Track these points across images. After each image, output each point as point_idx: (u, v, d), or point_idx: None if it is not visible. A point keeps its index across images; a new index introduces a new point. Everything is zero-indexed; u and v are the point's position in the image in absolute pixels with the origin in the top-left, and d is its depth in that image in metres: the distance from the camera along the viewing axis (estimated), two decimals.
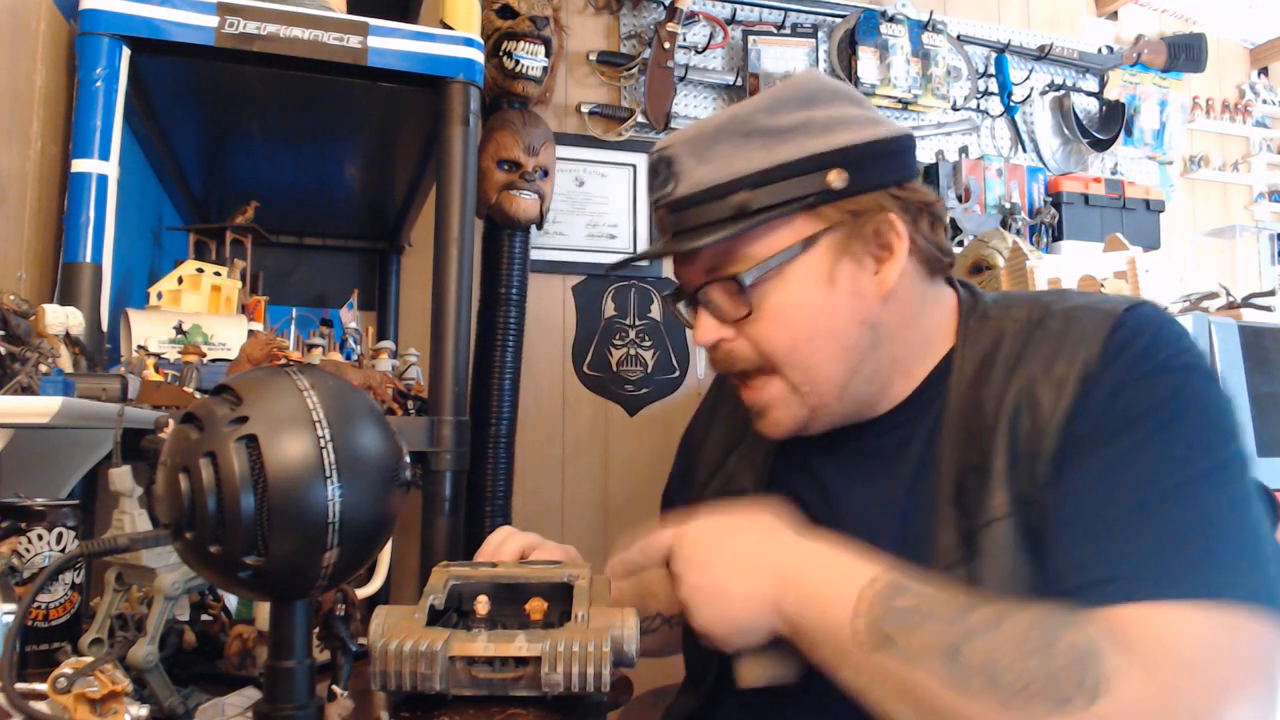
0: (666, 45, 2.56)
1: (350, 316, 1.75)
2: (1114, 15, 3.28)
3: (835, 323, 0.74)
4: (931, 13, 2.85)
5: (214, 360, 1.35)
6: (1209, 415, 0.67)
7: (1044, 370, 0.70)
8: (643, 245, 2.61)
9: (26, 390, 0.88)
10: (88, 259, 1.23)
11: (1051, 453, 0.67)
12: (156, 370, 1.24)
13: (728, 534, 0.70)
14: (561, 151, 2.47)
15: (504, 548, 0.85)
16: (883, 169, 0.75)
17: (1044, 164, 3.05)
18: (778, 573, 0.66)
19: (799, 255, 0.73)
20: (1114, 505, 0.64)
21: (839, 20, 2.80)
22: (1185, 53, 3.23)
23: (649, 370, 2.59)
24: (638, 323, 2.60)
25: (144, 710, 0.59)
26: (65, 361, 1.01)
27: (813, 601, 0.64)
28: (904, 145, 0.77)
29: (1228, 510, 0.63)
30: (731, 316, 0.75)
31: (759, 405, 0.79)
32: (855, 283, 0.75)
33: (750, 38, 2.69)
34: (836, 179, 0.72)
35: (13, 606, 0.66)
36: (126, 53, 1.28)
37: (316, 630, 0.74)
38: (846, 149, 0.73)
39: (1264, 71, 3.59)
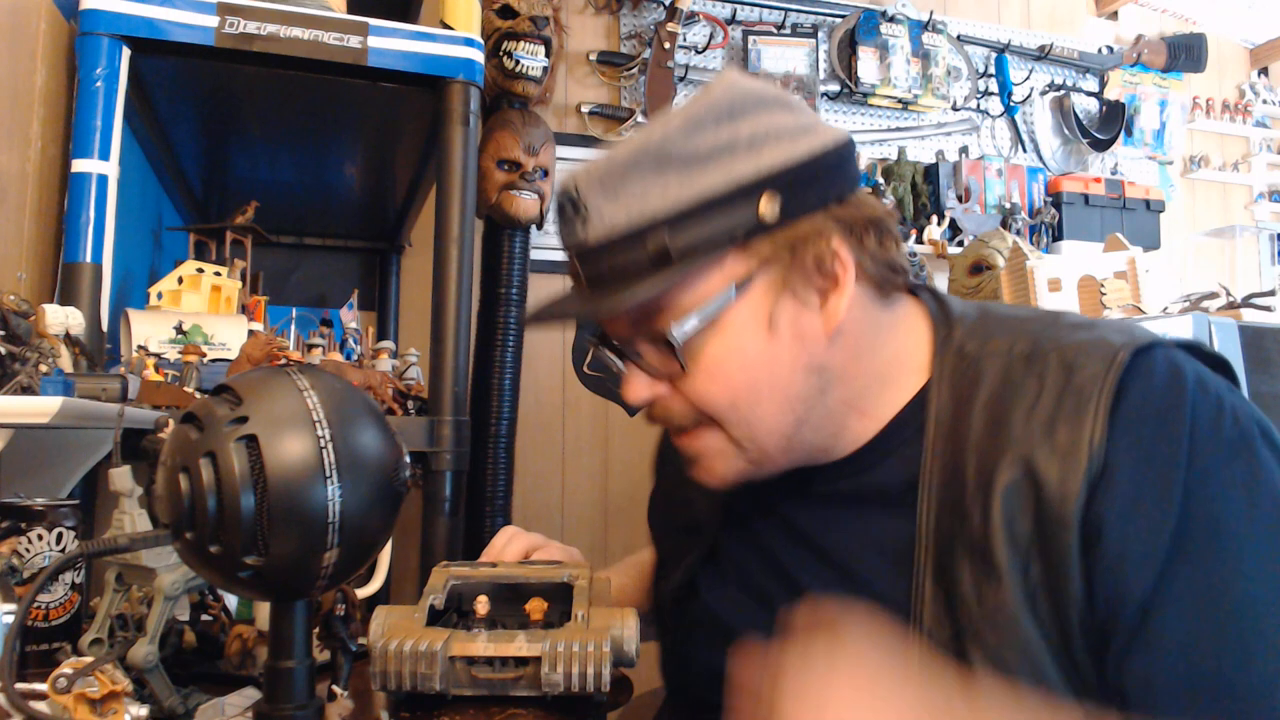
0: (666, 45, 2.56)
1: (350, 316, 1.76)
2: (1114, 15, 3.28)
3: (778, 372, 0.65)
4: (931, 13, 2.85)
5: (214, 360, 1.35)
6: None
7: (1043, 435, 0.60)
8: None
9: (26, 390, 0.88)
10: (88, 259, 1.23)
11: (1078, 551, 0.57)
12: (156, 370, 1.24)
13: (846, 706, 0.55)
14: (561, 151, 2.47)
15: (509, 548, 0.85)
16: (821, 186, 0.64)
17: (1044, 164, 3.05)
18: None
19: (734, 302, 0.63)
20: (1242, 648, 0.54)
21: (839, 20, 2.80)
22: (1185, 53, 3.23)
23: None
24: None
25: (144, 710, 0.59)
26: (65, 361, 1.01)
27: None
28: (843, 155, 0.67)
29: None
30: (663, 374, 0.67)
31: (690, 452, 0.70)
32: (798, 324, 0.65)
33: (750, 38, 2.69)
34: (768, 207, 0.62)
35: (13, 606, 0.66)
36: (126, 53, 1.28)
37: (316, 630, 0.74)
38: (777, 171, 0.63)
39: (1264, 71, 3.59)
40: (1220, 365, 0.66)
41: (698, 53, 2.64)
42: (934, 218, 2.80)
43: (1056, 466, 0.58)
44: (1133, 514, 0.56)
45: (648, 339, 0.66)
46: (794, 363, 0.65)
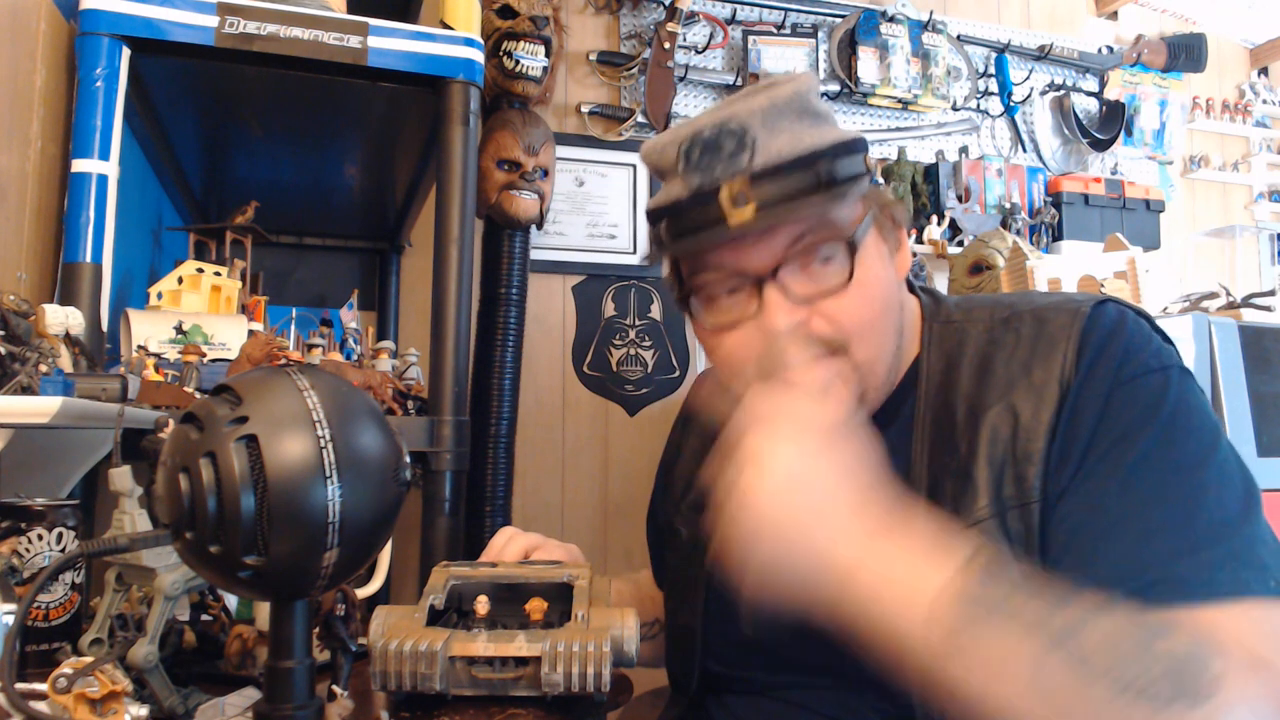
0: (666, 45, 2.55)
1: (350, 316, 1.75)
2: (1114, 15, 3.28)
3: (892, 297, 0.75)
4: (931, 13, 2.85)
5: (214, 360, 1.35)
6: (1200, 414, 0.69)
7: (1021, 374, 0.72)
8: (642, 246, 2.61)
9: (26, 390, 0.88)
10: (88, 259, 1.23)
11: (1042, 459, 0.68)
12: (156, 370, 1.24)
13: (810, 486, 0.62)
14: (561, 151, 2.47)
15: (508, 548, 0.85)
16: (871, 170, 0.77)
17: (1044, 164, 3.05)
18: (847, 571, 0.61)
19: (870, 227, 0.74)
20: (1139, 511, 0.64)
21: (839, 20, 2.80)
22: (1185, 53, 3.23)
23: (649, 370, 2.59)
24: (638, 322, 2.60)
25: (144, 710, 0.58)
26: (65, 361, 1.01)
27: (881, 599, 0.60)
28: None
29: (1242, 504, 0.64)
30: (827, 288, 0.72)
31: (821, 382, 0.73)
32: (892, 263, 0.77)
33: (750, 38, 2.69)
34: (871, 163, 0.75)
35: (13, 606, 0.66)
36: (126, 53, 1.28)
37: (316, 630, 0.74)
38: (863, 139, 0.75)
39: (1264, 71, 3.59)
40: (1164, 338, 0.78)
41: (698, 53, 2.64)
42: (934, 218, 2.79)
43: (1031, 401, 0.70)
44: (1074, 418, 0.68)
45: (819, 253, 0.71)
46: (896, 293, 0.76)
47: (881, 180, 2.78)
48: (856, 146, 0.73)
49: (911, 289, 0.84)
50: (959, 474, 0.71)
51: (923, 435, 0.75)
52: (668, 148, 0.73)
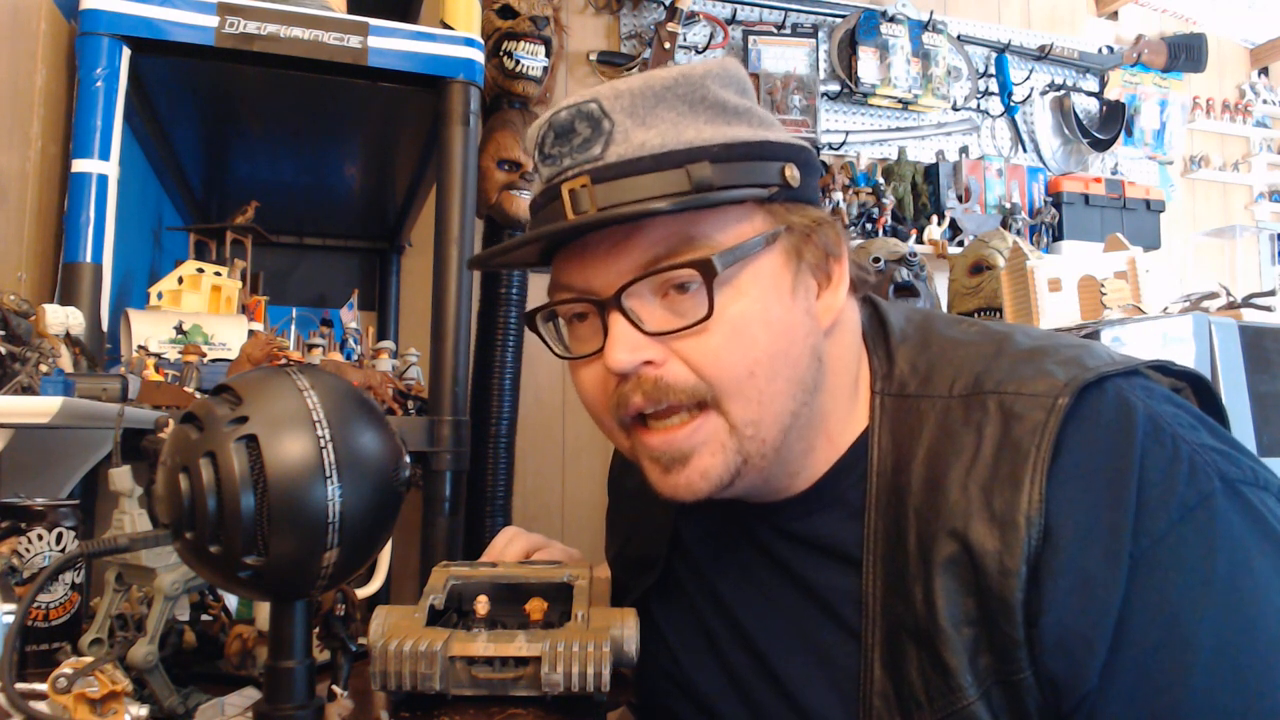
0: (666, 45, 2.55)
1: (350, 316, 1.75)
2: (1114, 15, 3.28)
3: (794, 344, 0.60)
4: (931, 13, 2.85)
5: (214, 360, 1.35)
6: (1270, 546, 0.52)
7: (980, 501, 0.55)
8: None
9: (27, 390, 0.88)
10: (88, 259, 1.23)
11: (1021, 623, 0.53)
12: (156, 370, 1.24)
13: None
14: None
15: (510, 548, 0.85)
16: (815, 180, 0.64)
17: (1044, 164, 3.05)
18: None
19: (763, 251, 0.59)
20: None
21: (839, 20, 2.80)
22: (1185, 53, 3.23)
23: None
24: None
25: (144, 710, 0.58)
26: (65, 361, 1.01)
27: None
28: (817, 160, 0.66)
29: None
30: (678, 322, 0.58)
31: (682, 449, 0.60)
32: (808, 300, 0.62)
33: (750, 38, 2.69)
34: (793, 175, 0.60)
35: (13, 606, 0.66)
36: (126, 53, 1.28)
37: (316, 630, 0.74)
38: (794, 149, 0.62)
39: (1264, 71, 3.59)
40: (1195, 383, 0.62)
41: (698, 53, 2.64)
42: (934, 218, 2.80)
43: (995, 540, 0.53)
44: (1074, 593, 0.51)
45: (672, 275, 0.58)
46: (805, 339, 0.60)
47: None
48: (768, 151, 0.60)
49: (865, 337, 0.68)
50: (923, 640, 0.56)
51: (875, 561, 0.60)
52: (536, 131, 0.62)
